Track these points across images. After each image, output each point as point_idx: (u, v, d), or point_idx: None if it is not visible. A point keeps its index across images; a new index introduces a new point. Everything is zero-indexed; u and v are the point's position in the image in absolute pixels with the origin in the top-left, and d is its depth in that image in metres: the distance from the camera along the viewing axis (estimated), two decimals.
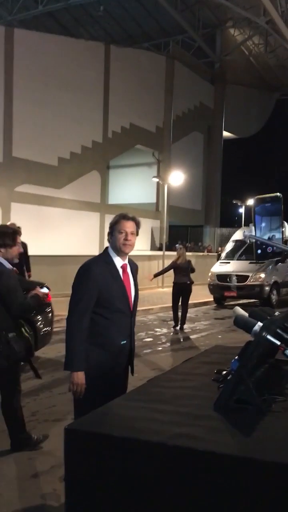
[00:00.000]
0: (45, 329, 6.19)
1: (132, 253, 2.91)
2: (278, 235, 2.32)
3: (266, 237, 2.34)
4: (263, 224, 2.35)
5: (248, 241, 2.86)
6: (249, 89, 30.35)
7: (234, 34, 27.82)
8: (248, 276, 12.74)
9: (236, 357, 2.16)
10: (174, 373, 2.76)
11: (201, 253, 20.49)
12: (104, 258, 2.86)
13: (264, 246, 2.33)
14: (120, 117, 20.67)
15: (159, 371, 3.57)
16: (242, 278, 12.80)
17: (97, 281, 2.74)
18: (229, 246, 14.99)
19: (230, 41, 27.89)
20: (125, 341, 2.85)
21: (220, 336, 8.91)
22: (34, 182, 16.75)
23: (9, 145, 16.11)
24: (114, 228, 2.85)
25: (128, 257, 2.95)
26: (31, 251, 10.42)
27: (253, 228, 2.45)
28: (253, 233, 2.41)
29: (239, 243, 14.23)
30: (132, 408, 2.03)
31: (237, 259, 13.61)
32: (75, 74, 18.26)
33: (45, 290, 3.80)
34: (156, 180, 21.01)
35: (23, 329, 3.70)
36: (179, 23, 24.55)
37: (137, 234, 2.90)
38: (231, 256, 14.16)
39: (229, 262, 13.73)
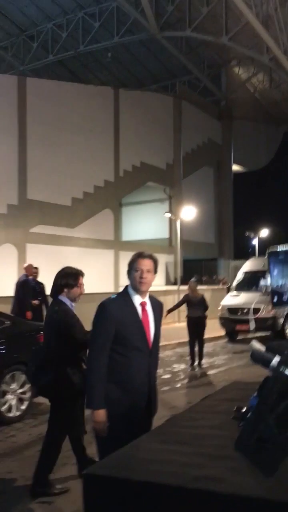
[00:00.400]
0: None
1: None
2: None
3: (279, 283, 2.46)
4: (275, 272, 2.47)
5: (263, 291, 3.05)
6: (256, 124, 30.89)
7: (239, 72, 28.57)
8: (260, 309, 12.26)
9: (255, 394, 2.13)
10: (193, 412, 2.72)
11: (216, 286, 20.36)
12: (123, 296, 2.90)
13: (280, 294, 2.45)
14: (130, 156, 21.12)
15: (178, 410, 3.51)
16: (254, 311, 12.39)
17: (113, 319, 2.76)
18: (239, 277, 14.45)
19: (235, 79, 28.63)
20: (142, 380, 2.82)
21: (239, 371, 8.74)
22: (48, 223, 17.04)
23: (23, 188, 16.52)
24: (131, 267, 2.89)
25: (150, 295, 2.97)
26: (48, 291, 10.49)
27: (268, 278, 2.58)
28: (269, 283, 2.56)
29: (248, 275, 13.81)
30: (150, 450, 2.00)
31: (248, 291, 13.12)
32: (86, 117, 18.85)
33: None
34: (169, 215, 21.21)
35: (82, 363, 3.77)
36: (185, 65, 25.37)
37: (155, 272, 2.92)
38: (241, 288, 13.70)
39: (239, 295, 13.27)
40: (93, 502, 1.80)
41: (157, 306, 3.00)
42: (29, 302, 9.59)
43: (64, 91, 18.54)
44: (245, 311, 12.48)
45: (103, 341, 2.76)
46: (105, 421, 2.69)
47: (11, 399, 5.62)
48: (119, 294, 2.95)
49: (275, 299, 12.23)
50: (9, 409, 5.60)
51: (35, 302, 9.58)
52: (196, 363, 9.27)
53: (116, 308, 2.80)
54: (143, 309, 2.88)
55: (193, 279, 10.48)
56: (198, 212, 21.84)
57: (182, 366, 9.40)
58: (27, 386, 5.71)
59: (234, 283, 14.40)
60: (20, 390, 5.73)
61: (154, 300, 3.00)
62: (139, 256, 2.90)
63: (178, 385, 7.77)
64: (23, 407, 5.76)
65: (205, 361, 9.46)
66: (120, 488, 1.74)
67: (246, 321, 12.36)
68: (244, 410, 2.25)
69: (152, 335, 2.89)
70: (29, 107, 16.85)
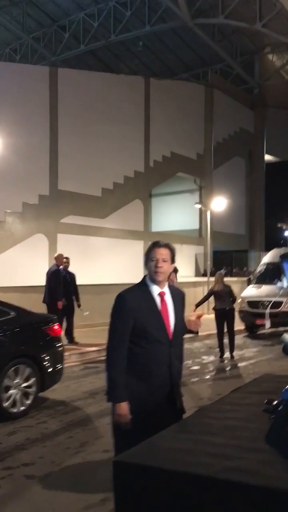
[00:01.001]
0: (54, 366, 5.88)
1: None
2: None
3: None
4: None
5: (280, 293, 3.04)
6: None
7: (272, 59, 27.92)
8: (281, 303, 11.69)
9: (287, 386, 2.10)
10: (223, 403, 2.70)
11: (246, 278, 20.12)
12: (140, 287, 2.83)
13: None
14: (161, 146, 21.01)
15: (207, 401, 3.50)
16: (275, 304, 11.76)
17: (130, 311, 2.70)
18: (260, 268, 13.89)
19: (268, 66, 27.99)
20: (163, 372, 2.75)
21: (269, 364, 8.64)
22: (79, 213, 17.18)
23: (55, 178, 16.69)
24: (147, 256, 2.83)
25: (171, 284, 2.90)
26: (78, 281, 10.62)
27: (285, 280, 2.59)
28: (285, 285, 2.57)
29: (271, 266, 13.30)
30: (180, 440, 2.00)
31: (269, 284, 12.49)
32: (117, 107, 18.83)
33: None
34: (199, 206, 21.04)
35: None
36: (217, 53, 24.95)
37: (172, 262, 2.84)
38: (262, 280, 13.11)
39: (260, 287, 12.67)
40: (123, 489, 1.82)
41: (178, 296, 2.92)
42: (60, 291, 9.71)
43: (95, 81, 18.56)
44: (266, 304, 11.92)
45: (121, 333, 2.71)
46: (128, 414, 2.65)
47: (15, 393, 5.40)
48: (136, 284, 2.87)
49: None
50: (13, 404, 5.38)
51: (60, 303, 9.63)
52: (225, 355, 9.21)
53: (133, 299, 2.74)
54: (162, 299, 2.81)
55: (220, 271, 10.36)
56: (229, 203, 21.56)
57: (211, 358, 9.36)
58: (32, 380, 5.57)
59: (255, 275, 13.83)
60: (25, 384, 5.51)
61: (174, 290, 2.92)
62: (155, 245, 2.83)
63: (207, 377, 7.75)
64: (29, 401, 5.54)
65: (235, 353, 9.40)
66: (149, 476, 1.75)
67: (269, 315, 11.72)
68: (275, 402, 2.22)
69: (172, 326, 2.80)
70: (60, 97, 16.95)
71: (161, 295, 2.82)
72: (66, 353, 9.22)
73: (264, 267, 13.58)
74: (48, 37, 25.33)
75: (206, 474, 1.66)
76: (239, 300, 12.26)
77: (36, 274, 10.92)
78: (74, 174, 17.01)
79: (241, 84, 27.47)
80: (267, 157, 29.31)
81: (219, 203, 19.56)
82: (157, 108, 20.76)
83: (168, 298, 2.85)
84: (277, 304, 11.76)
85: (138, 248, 19.03)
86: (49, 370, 5.79)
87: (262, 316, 11.79)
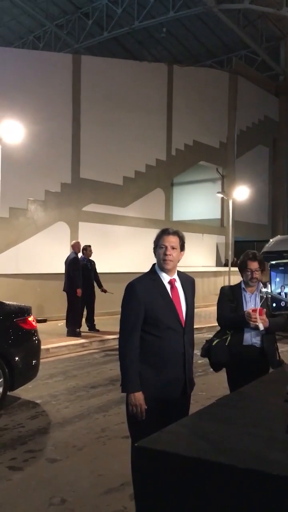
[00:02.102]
0: (28, 362, 5.38)
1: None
2: None
3: (279, 289, 2.65)
4: (278, 279, 2.64)
5: (265, 296, 3.19)
6: None
7: None
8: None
9: None
10: (244, 393, 2.70)
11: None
12: (149, 275, 2.80)
13: (278, 301, 2.66)
14: (183, 134, 20.82)
15: (227, 390, 3.50)
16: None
17: (141, 300, 2.68)
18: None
19: None
20: (178, 360, 2.73)
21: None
22: (100, 202, 17.22)
23: (77, 167, 16.73)
24: (156, 244, 2.79)
25: (179, 272, 2.85)
26: (98, 269, 10.69)
27: (269, 285, 2.73)
28: (269, 290, 2.70)
29: (272, 256, 12.86)
30: (201, 428, 2.01)
31: None
32: (139, 95, 18.70)
33: None
34: (221, 195, 20.85)
35: None
36: (242, 39, 24.48)
37: (182, 249, 2.79)
38: None
39: None
40: (142, 474, 1.84)
41: (188, 283, 2.87)
42: (80, 279, 9.76)
43: (118, 68, 18.44)
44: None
45: (133, 323, 2.69)
46: (143, 403, 2.62)
47: None
48: (146, 273, 2.83)
49: (274, 305, 11.14)
50: None
51: (79, 290, 9.68)
52: None
53: (143, 288, 2.71)
54: (173, 287, 2.77)
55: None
56: (252, 192, 21.27)
57: None
58: None
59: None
60: None
61: (184, 276, 2.87)
62: (163, 232, 2.79)
63: None
64: None
65: None
66: (170, 463, 1.77)
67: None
68: None
69: (184, 313, 2.78)
70: (83, 85, 16.92)
71: (171, 282, 2.79)
72: (87, 340, 9.34)
73: (265, 256, 13.09)
74: (72, 24, 25.24)
75: (227, 463, 1.67)
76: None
77: (57, 262, 11.02)
78: (96, 163, 17.02)
79: (266, 71, 26.93)
80: None
81: (242, 193, 19.32)
82: (180, 95, 20.55)
83: (179, 285, 2.82)
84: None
85: None
86: (21, 367, 5.24)
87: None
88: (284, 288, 2.65)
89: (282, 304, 2.65)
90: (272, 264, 2.71)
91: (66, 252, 15.21)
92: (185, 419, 2.21)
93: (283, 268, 2.63)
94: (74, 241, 10.60)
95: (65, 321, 10.15)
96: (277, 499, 1.55)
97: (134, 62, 20.41)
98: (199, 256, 20.16)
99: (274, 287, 2.66)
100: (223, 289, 3.83)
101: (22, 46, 26.15)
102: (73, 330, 9.74)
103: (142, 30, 24.55)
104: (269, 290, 2.71)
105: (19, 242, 14.52)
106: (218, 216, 23.79)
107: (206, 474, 1.69)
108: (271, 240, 13.51)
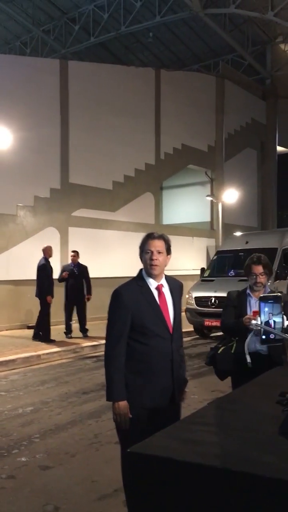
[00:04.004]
0: None
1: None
2: (278, 319, 2.70)
3: (267, 318, 2.71)
4: (266, 309, 2.71)
5: (255, 327, 3.22)
6: None
7: (285, 49, 27.51)
8: None
9: None
10: (236, 395, 2.70)
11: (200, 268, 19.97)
12: (136, 281, 2.73)
13: (267, 333, 2.71)
14: (172, 138, 20.88)
15: (220, 393, 3.50)
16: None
17: (127, 307, 2.62)
18: (214, 258, 11.73)
19: (280, 56, 27.60)
20: (165, 368, 2.68)
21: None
22: (90, 207, 17.19)
23: (66, 172, 16.70)
24: (142, 249, 2.72)
25: (167, 276, 2.80)
26: (91, 273, 10.68)
27: (258, 318, 2.75)
28: (259, 322, 2.74)
29: (226, 255, 11.54)
30: (193, 432, 2.01)
31: (223, 277, 10.62)
32: (127, 100, 18.73)
33: None
34: (210, 198, 20.92)
35: None
36: (228, 43, 24.67)
37: (168, 253, 2.73)
38: (215, 272, 11.18)
39: (212, 280, 10.66)
40: (134, 480, 1.82)
41: (176, 287, 2.82)
42: (48, 286, 9.63)
43: (106, 73, 18.47)
44: (215, 301, 9.88)
45: (119, 330, 2.63)
46: (127, 413, 2.58)
47: None
48: (133, 279, 2.77)
49: (264, 337, 10.26)
50: None
51: (49, 298, 9.51)
52: None
53: (130, 294, 2.65)
54: (160, 293, 2.71)
55: None
56: (241, 195, 21.38)
57: None
58: None
59: (207, 267, 11.80)
60: None
61: (172, 281, 2.81)
62: (148, 237, 2.73)
63: None
64: None
65: None
66: (162, 467, 1.76)
67: (219, 315, 9.63)
68: None
69: (172, 319, 2.72)
70: (71, 90, 16.91)
71: (159, 288, 2.73)
72: (78, 346, 9.30)
73: (219, 256, 11.79)
74: (58, 30, 25.24)
75: (219, 466, 1.66)
76: (186, 296, 10.67)
77: None
78: (85, 167, 17.01)
79: (252, 75, 27.16)
80: (279, 149, 29.01)
81: (231, 195, 19.42)
82: (168, 100, 20.64)
83: (166, 291, 2.76)
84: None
85: None
86: None
87: (211, 316, 9.74)
88: (272, 316, 2.71)
89: (271, 336, 2.71)
90: (262, 296, 2.79)
91: (57, 257, 15.15)
92: (177, 423, 2.20)
93: (272, 301, 2.73)
94: (45, 246, 10.43)
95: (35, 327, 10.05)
96: (269, 501, 1.55)
97: (121, 67, 20.45)
98: (189, 260, 20.20)
99: (264, 317, 2.71)
100: (229, 295, 3.74)
101: (9, 52, 26.10)
102: (44, 336, 9.65)
103: (129, 35, 24.64)
104: (259, 322, 2.75)
105: (9, 248, 14.42)
106: (208, 219, 23.88)
107: (198, 478, 1.69)
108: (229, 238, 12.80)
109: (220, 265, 11.51)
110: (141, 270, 2.78)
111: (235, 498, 1.60)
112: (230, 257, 11.48)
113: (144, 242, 2.73)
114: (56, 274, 10.48)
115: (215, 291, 10.02)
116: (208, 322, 10.04)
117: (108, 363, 2.67)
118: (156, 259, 2.66)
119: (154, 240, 2.70)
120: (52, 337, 9.82)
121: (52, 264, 10.41)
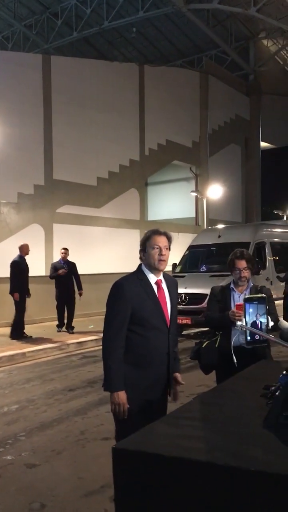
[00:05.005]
0: None
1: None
2: (263, 320, 2.74)
3: (253, 320, 2.74)
4: (251, 310, 2.74)
5: (240, 329, 3.27)
6: (285, 98, 30.01)
7: (268, 45, 27.67)
8: (206, 296, 8.57)
9: (284, 372, 2.11)
10: (221, 389, 2.72)
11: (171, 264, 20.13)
12: (137, 275, 2.80)
13: (253, 334, 2.75)
14: (156, 134, 20.87)
15: (206, 388, 3.52)
16: (198, 298, 9.32)
17: (129, 299, 2.68)
18: (186, 253, 11.34)
19: (263, 52, 27.75)
20: (162, 360, 2.76)
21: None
22: (74, 203, 17.10)
23: (49, 168, 16.57)
24: (146, 245, 2.78)
25: (164, 273, 2.88)
26: (79, 270, 10.65)
27: (243, 319, 2.78)
28: (244, 323, 2.77)
29: (199, 250, 11.20)
30: (179, 426, 2.01)
31: (195, 272, 10.34)
32: (111, 95, 18.65)
33: None
34: (195, 194, 20.97)
35: None
36: (212, 38, 24.70)
37: (169, 249, 2.84)
38: (187, 268, 10.87)
39: (183, 276, 10.27)
40: (122, 476, 1.82)
41: (173, 284, 2.92)
42: (18, 283, 9.56)
43: (89, 68, 18.35)
44: (185, 297, 9.48)
45: (120, 322, 2.68)
46: (125, 403, 2.63)
47: None
48: (133, 273, 2.84)
49: (249, 338, 10.07)
50: None
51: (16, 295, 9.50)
52: None
53: (131, 287, 2.72)
54: (159, 287, 2.80)
55: None
56: (225, 191, 21.49)
57: None
58: None
59: (178, 261, 11.45)
60: None
61: (168, 278, 2.91)
62: (155, 232, 2.80)
63: None
64: None
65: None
66: (148, 463, 1.76)
67: (189, 312, 9.20)
68: (273, 388, 2.23)
69: (169, 313, 2.82)
70: (54, 85, 16.76)
71: (158, 283, 2.82)
72: (63, 343, 9.27)
73: (190, 251, 11.43)
74: (41, 25, 24.97)
75: (204, 460, 1.67)
76: None
77: (32, 265, 10.87)
78: (69, 164, 16.90)
79: (236, 71, 27.26)
80: (263, 144, 29.22)
81: (215, 191, 19.51)
82: (152, 95, 20.60)
83: (164, 286, 2.85)
84: (200, 298, 9.23)
85: (134, 237, 18.99)
86: None
87: (181, 313, 9.13)
88: (260, 316, 2.74)
89: (257, 337, 2.73)
90: (246, 298, 2.81)
91: (41, 254, 15.05)
92: (163, 418, 2.21)
93: (256, 302, 2.76)
94: (21, 243, 10.33)
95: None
96: (255, 494, 1.56)
97: (105, 62, 20.34)
98: (175, 255, 20.25)
99: (249, 318, 2.72)
100: (213, 289, 3.78)
101: None
102: (19, 334, 9.61)
103: (112, 30, 24.50)
104: (244, 323, 2.77)
105: None
106: (193, 215, 23.95)
107: (184, 472, 1.69)
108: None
109: (192, 260, 11.24)
110: (140, 265, 2.85)
111: (222, 492, 1.61)
112: (202, 251, 11.26)
113: (149, 237, 2.80)
114: (33, 272, 10.42)
115: (185, 288, 9.58)
116: (178, 320, 9.67)
117: (107, 355, 2.70)
118: (164, 255, 2.76)
119: (161, 236, 2.79)
120: (38, 335, 9.78)
121: (37, 261, 10.34)
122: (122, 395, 2.64)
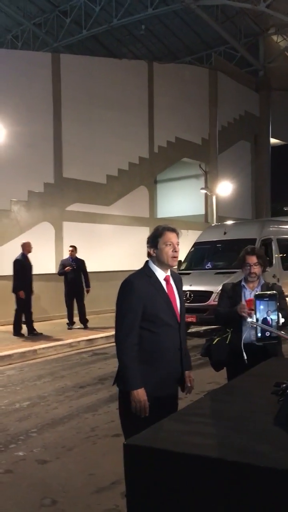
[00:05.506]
0: None
1: None
2: (274, 317, 2.73)
3: (264, 317, 2.73)
4: (262, 307, 2.73)
5: (250, 326, 3.24)
6: None
7: (277, 41, 27.44)
8: (211, 293, 8.93)
9: None
10: (232, 387, 2.72)
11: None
12: (146, 272, 2.80)
13: (263, 330, 2.73)
14: (165, 131, 20.82)
15: (216, 385, 3.52)
16: (203, 296, 9.22)
17: (140, 296, 2.68)
18: (191, 250, 11.27)
19: (273, 48, 27.53)
20: (175, 356, 2.77)
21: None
22: (84, 201, 17.14)
23: (59, 166, 16.62)
24: (158, 241, 2.77)
25: (170, 269, 2.89)
26: (89, 267, 10.70)
27: (254, 316, 2.77)
28: (254, 320, 2.75)
29: (205, 247, 11.07)
30: (190, 423, 2.02)
31: (200, 269, 10.27)
32: (120, 93, 18.64)
33: None
34: (204, 191, 20.90)
35: None
36: (221, 35, 24.55)
37: None
38: (192, 265, 10.82)
39: (189, 274, 10.15)
40: (133, 472, 1.84)
41: (178, 280, 2.93)
42: (21, 281, 9.56)
43: (98, 66, 18.35)
44: (192, 297, 9.30)
45: (132, 320, 2.67)
46: (145, 399, 2.61)
47: None
48: (141, 270, 2.84)
49: (259, 335, 10.00)
50: None
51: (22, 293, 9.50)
52: None
53: (142, 284, 2.71)
54: (168, 283, 2.81)
55: None
56: (235, 188, 21.38)
57: None
58: None
59: (184, 258, 11.28)
60: None
61: (174, 274, 2.92)
62: (166, 229, 2.79)
63: None
64: None
65: None
66: (160, 459, 1.77)
67: (194, 310, 9.00)
68: (283, 385, 2.23)
69: (179, 309, 2.84)
70: (63, 83, 16.79)
71: (167, 279, 2.82)
72: (74, 340, 9.31)
73: (195, 249, 11.31)
74: (50, 23, 25.02)
75: (215, 456, 1.67)
76: None
77: (42, 263, 10.96)
78: (79, 162, 16.94)
79: (245, 67, 27.08)
80: (273, 140, 29.02)
81: (225, 188, 19.42)
82: (161, 92, 20.55)
83: (172, 282, 2.86)
84: (205, 296, 9.19)
85: (143, 235, 18.91)
86: None
87: (187, 311, 9.31)
88: (271, 313, 2.73)
89: (267, 334, 2.72)
90: (257, 295, 2.80)
91: (52, 252, 15.12)
92: (174, 415, 2.21)
93: (267, 299, 2.75)
94: (23, 242, 10.33)
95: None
96: (265, 490, 1.57)
97: (114, 60, 20.33)
98: (183, 252, 20.24)
99: (259, 315, 2.72)
100: (224, 286, 3.79)
101: (0, 46, 25.85)
102: (18, 332, 9.66)
103: (121, 28, 24.47)
104: (254, 320, 2.76)
105: (3, 243, 14.37)
106: (202, 212, 23.88)
107: (194, 469, 1.70)
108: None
109: (198, 257, 11.10)
110: (147, 261, 2.85)
111: (232, 488, 1.62)
112: (207, 248, 11.11)
113: (161, 234, 2.78)
114: (43, 270, 10.47)
115: (191, 285, 9.43)
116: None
117: (122, 353, 2.68)
118: (177, 251, 2.78)
119: (173, 233, 2.81)
120: (48, 332, 9.85)
121: (47, 259, 10.41)
122: (141, 392, 2.62)
